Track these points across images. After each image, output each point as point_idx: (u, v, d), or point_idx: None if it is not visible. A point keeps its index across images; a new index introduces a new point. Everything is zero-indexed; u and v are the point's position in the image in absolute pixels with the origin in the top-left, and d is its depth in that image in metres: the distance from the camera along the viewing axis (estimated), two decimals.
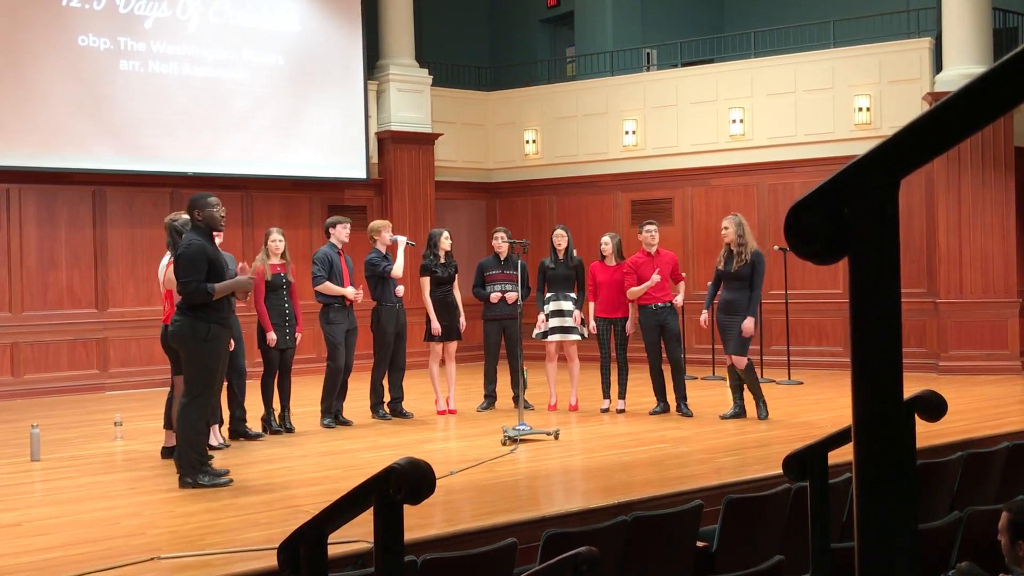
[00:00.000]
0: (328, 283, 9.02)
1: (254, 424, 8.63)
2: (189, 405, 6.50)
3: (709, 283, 9.44)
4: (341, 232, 9.25)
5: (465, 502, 5.96)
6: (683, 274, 9.82)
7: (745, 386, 9.08)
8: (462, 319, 9.72)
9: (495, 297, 9.72)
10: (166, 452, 7.58)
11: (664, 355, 9.44)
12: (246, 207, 13.53)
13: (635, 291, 9.35)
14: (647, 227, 9.54)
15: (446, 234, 9.76)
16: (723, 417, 9.07)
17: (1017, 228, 12.48)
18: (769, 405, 9.12)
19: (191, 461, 6.48)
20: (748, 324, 8.86)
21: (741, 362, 8.97)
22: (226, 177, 13.12)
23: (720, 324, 9.15)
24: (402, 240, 9.49)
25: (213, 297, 6.48)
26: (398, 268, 9.33)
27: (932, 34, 13.27)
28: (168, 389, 7.81)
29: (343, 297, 9.06)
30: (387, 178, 14.64)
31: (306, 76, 13.83)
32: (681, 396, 9.41)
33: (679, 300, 9.48)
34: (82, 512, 5.90)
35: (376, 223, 9.65)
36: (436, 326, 9.49)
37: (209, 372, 6.57)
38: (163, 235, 7.88)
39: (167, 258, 7.66)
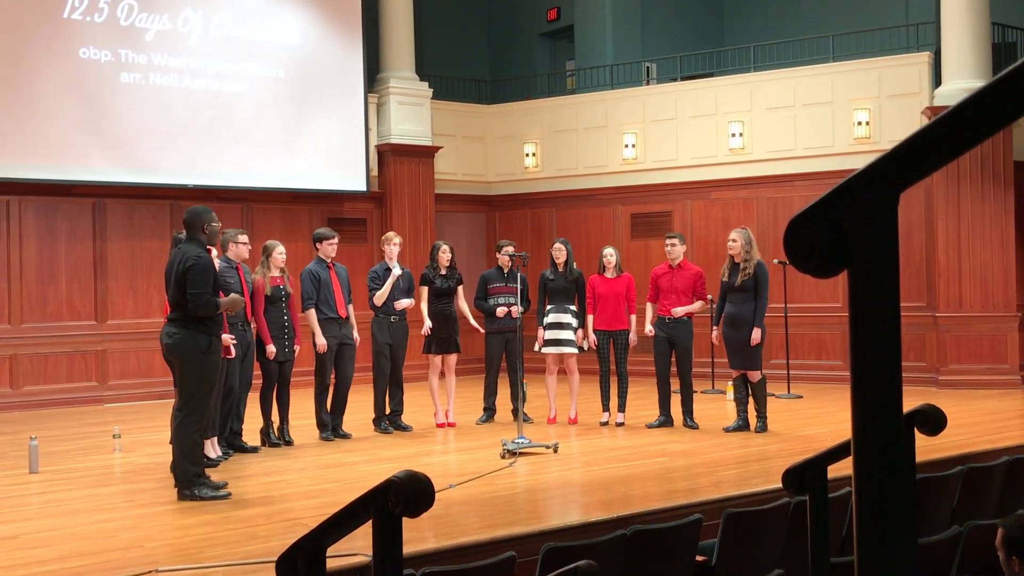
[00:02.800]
0: (312, 312, 8.94)
1: (250, 438, 8.61)
2: (187, 418, 6.50)
3: (713, 298, 9.46)
4: (328, 249, 9.13)
5: (464, 515, 5.94)
6: (708, 295, 9.74)
7: (751, 399, 9.09)
8: (473, 323, 9.72)
9: (501, 312, 9.73)
10: None
11: (673, 368, 9.44)
12: (246, 219, 13.53)
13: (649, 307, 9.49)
14: (667, 240, 9.54)
15: (444, 247, 9.77)
16: (727, 430, 9.07)
17: (1016, 242, 12.49)
18: (769, 418, 9.13)
19: (188, 474, 6.48)
20: (756, 335, 8.87)
21: (756, 376, 8.99)
22: (226, 189, 13.14)
23: (726, 338, 9.13)
24: (396, 271, 9.44)
25: (217, 311, 6.57)
26: (379, 296, 9.34)
27: (931, 48, 13.30)
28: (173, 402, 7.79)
29: (333, 309, 9.03)
30: (387, 191, 14.66)
31: (307, 89, 13.86)
32: (687, 410, 9.40)
33: (678, 311, 9.36)
34: (80, 525, 5.89)
35: (388, 235, 9.69)
36: (427, 324, 9.48)
37: (207, 385, 6.60)
38: (163, 247, 7.90)
39: None
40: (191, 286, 6.45)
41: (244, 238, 8.35)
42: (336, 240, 9.24)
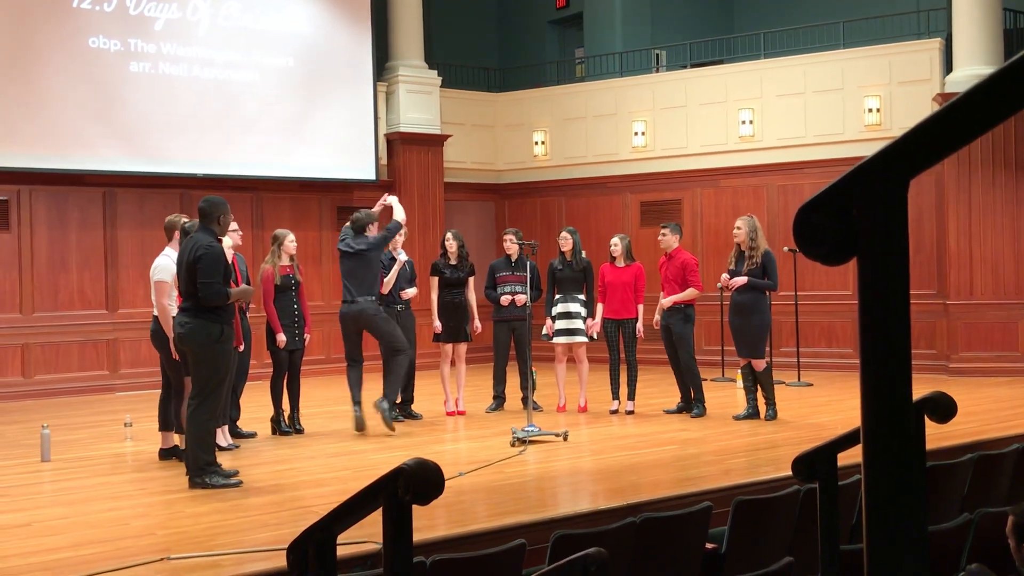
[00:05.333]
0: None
1: (257, 426, 8.66)
2: (201, 407, 6.51)
3: (719, 284, 9.47)
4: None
5: (474, 503, 5.96)
6: (709, 283, 9.59)
7: (759, 387, 9.08)
8: (476, 322, 9.74)
9: (505, 300, 9.73)
10: (164, 453, 7.60)
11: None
12: (256, 208, 13.56)
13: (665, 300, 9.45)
14: (660, 229, 9.57)
15: (449, 235, 9.77)
16: (737, 418, 9.07)
17: None
18: (779, 406, 9.12)
19: (200, 462, 6.50)
20: (738, 280, 8.90)
21: (760, 364, 8.98)
22: (236, 179, 13.15)
23: (732, 326, 9.14)
24: (402, 258, 9.42)
25: (228, 301, 6.59)
26: (386, 284, 9.35)
27: (942, 35, 13.23)
28: (160, 390, 7.81)
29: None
30: (396, 179, 14.65)
31: (315, 78, 13.85)
32: (697, 398, 9.38)
33: (665, 302, 9.33)
34: (91, 513, 5.92)
35: None
36: (436, 325, 9.49)
37: (222, 373, 6.62)
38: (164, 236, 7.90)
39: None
40: (201, 276, 6.44)
41: (235, 225, 8.30)
42: (375, 225, 8.95)
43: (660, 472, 6.95)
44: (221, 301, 6.55)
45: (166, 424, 7.62)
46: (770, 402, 9.03)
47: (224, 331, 6.57)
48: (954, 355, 12.40)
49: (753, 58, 14.71)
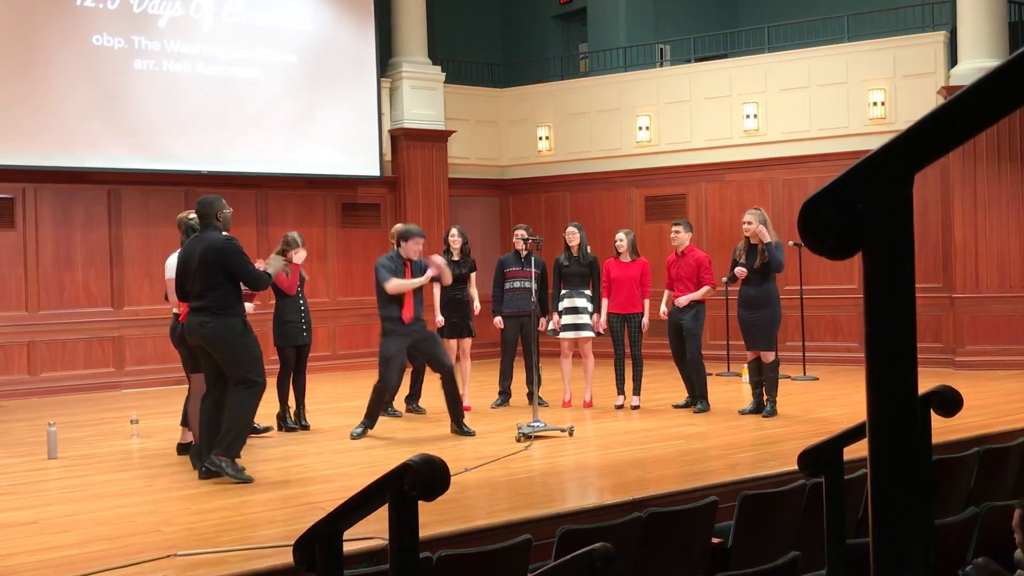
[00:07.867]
0: (396, 282, 8.13)
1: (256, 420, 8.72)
2: (251, 395, 6.63)
3: (724, 279, 9.48)
4: (411, 249, 8.32)
5: (480, 499, 5.96)
6: (718, 279, 9.48)
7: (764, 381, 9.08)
8: (476, 303, 9.74)
9: (498, 323, 9.79)
10: (181, 448, 7.62)
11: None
12: (260, 205, 13.56)
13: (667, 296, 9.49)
14: (672, 227, 9.56)
15: (454, 231, 9.80)
16: (742, 412, 9.06)
17: None
18: (785, 400, 9.12)
19: (236, 449, 6.61)
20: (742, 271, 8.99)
21: (769, 356, 8.97)
22: (240, 176, 13.16)
23: (742, 320, 9.12)
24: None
25: (270, 282, 7.02)
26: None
27: (947, 28, 13.20)
28: (187, 387, 7.82)
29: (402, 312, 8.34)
30: (401, 175, 14.65)
31: (319, 74, 13.85)
32: (700, 394, 9.38)
33: (681, 301, 9.30)
34: (98, 510, 5.93)
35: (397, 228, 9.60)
36: (439, 320, 9.51)
37: (259, 360, 6.72)
38: (178, 234, 7.90)
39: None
40: (240, 269, 6.57)
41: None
42: (421, 241, 8.39)
43: (666, 467, 6.95)
44: (264, 285, 6.91)
45: (187, 420, 7.64)
46: (771, 398, 9.00)
47: (245, 323, 6.69)
48: (960, 348, 12.39)
49: (757, 52, 14.68)
